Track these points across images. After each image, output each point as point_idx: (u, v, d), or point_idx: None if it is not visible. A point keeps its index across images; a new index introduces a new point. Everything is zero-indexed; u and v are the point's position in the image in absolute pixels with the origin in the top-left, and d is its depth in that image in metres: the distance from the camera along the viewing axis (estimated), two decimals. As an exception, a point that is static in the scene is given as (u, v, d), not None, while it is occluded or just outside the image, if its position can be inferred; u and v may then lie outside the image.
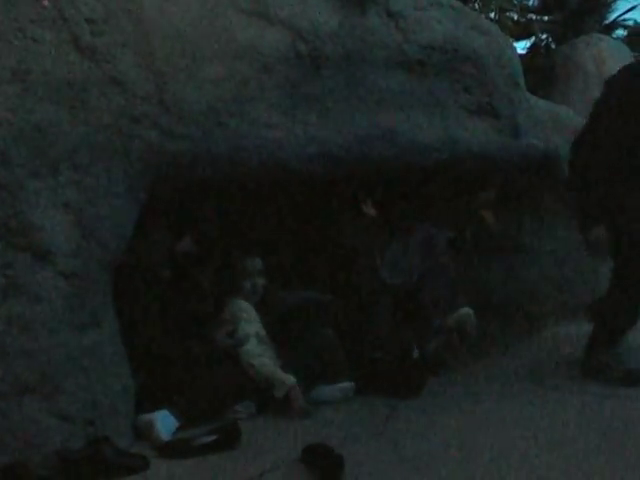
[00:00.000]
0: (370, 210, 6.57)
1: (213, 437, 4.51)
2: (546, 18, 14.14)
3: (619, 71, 5.70)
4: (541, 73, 12.26)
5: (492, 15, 11.49)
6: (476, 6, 11.27)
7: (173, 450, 4.44)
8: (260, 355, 5.32)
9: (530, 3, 14.23)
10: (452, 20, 6.28)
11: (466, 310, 6.33)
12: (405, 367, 5.72)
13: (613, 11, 14.79)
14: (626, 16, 14.87)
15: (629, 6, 15.44)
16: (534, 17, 13.97)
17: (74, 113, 4.38)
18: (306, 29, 5.29)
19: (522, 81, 6.90)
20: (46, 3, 4.42)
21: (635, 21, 14.72)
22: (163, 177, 4.76)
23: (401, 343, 6.08)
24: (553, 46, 13.79)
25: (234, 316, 5.47)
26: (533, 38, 13.45)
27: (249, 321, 5.47)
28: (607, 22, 14.60)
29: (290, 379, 5.22)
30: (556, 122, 7.44)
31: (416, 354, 6.05)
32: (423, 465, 4.06)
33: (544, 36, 13.93)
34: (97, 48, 4.52)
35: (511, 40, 11.60)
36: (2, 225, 4.06)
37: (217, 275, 5.66)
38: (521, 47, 13.53)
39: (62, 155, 4.31)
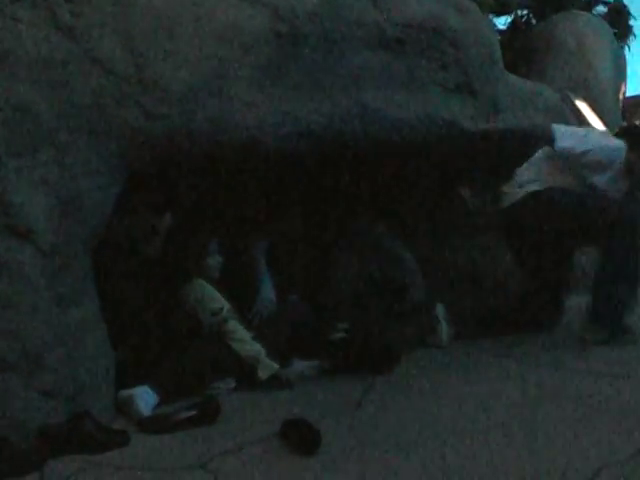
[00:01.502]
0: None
1: (193, 412, 4.57)
2: (527, -6, 14.12)
3: None
4: (521, 49, 12.24)
5: (472, -8, 11.48)
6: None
7: (153, 425, 4.50)
8: (244, 335, 5.37)
9: (511, -22, 14.21)
10: (430, -1, 6.31)
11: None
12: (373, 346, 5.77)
13: (593, -13, 14.79)
14: (607, -8, 14.86)
15: (610, -18, 15.45)
16: (514, -7, 13.94)
17: (54, 93, 4.40)
18: (285, 8, 5.30)
19: (500, 59, 6.93)
20: None
21: (615, -2, 14.70)
22: (143, 156, 4.79)
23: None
24: (533, 22, 13.75)
25: (199, 296, 5.49)
26: (513, 14, 13.41)
27: (217, 299, 5.50)
28: (587, -1, 14.59)
29: (274, 364, 5.28)
30: (535, 100, 7.47)
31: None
32: (400, 440, 4.11)
33: (524, 12, 13.89)
34: (77, 28, 4.55)
35: (490, 17, 11.62)
36: (-18, 204, 4.09)
37: (175, 255, 5.62)
38: (501, 23, 13.48)
39: (42, 134, 4.34)
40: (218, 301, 5.43)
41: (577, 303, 6.49)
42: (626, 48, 14.00)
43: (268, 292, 6.11)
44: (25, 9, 4.41)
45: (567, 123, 7.52)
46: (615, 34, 13.38)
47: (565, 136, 6.27)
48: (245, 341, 5.33)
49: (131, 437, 4.31)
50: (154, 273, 5.41)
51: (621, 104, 13.07)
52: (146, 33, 4.77)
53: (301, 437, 4.09)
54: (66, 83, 4.45)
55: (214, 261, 5.64)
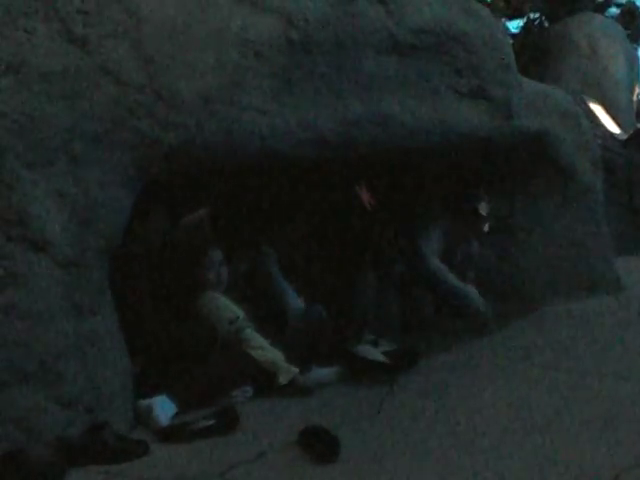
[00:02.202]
0: (365, 195, 6.63)
1: (211, 421, 4.58)
2: (539, -3, 14.12)
3: None
4: (534, 52, 12.26)
5: (484, -4, 11.50)
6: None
7: (172, 435, 4.49)
8: (262, 342, 5.38)
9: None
10: (442, 3, 6.30)
11: None
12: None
13: (606, -11, 14.78)
14: (619, -6, 14.86)
15: (622, -16, 15.44)
16: (527, -4, 13.95)
17: (68, 104, 4.40)
18: (296, 15, 5.30)
19: (513, 63, 6.92)
20: None
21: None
22: (157, 166, 4.80)
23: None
24: (546, 25, 13.76)
25: (214, 307, 5.49)
26: (525, 18, 13.43)
27: (231, 308, 5.50)
28: (600, 1, 14.59)
29: (293, 368, 5.29)
30: (548, 103, 7.47)
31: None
32: (419, 447, 4.11)
33: (537, 15, 13.90)
34: (89, 39, 4.55)
35: (503, 21, 11.64)
36: (-1, 216, 4.10)
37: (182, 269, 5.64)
38: (514, 27, 13.50)
39: (57, 146, 4.34)
40: (233, 310, 5.44)
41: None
42: (639, 49, 13.99)
43: (297, 301, 6.13)
44: (38, 21, 4.42)
45: (580, 125, 7.53)
46: (628, 35, 13.39)
47: None
48: (263, 347, 5.34)
49: (150, 447, 4.30)
50: (169, 283, 5.41)
51: (635, 105, 13.07)
52: (159, 43, 4.77)
53: (320, 445, 4.08)
54: (80, 94, 4.45)
55: (223, 271, 5.65)
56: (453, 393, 5.02)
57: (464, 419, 4.47)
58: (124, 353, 4.73)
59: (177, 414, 4.78)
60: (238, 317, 5.39)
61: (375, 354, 5.65)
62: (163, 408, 4.71)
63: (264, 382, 5.28)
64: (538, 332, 6.38)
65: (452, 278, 6.85)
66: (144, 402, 4.73)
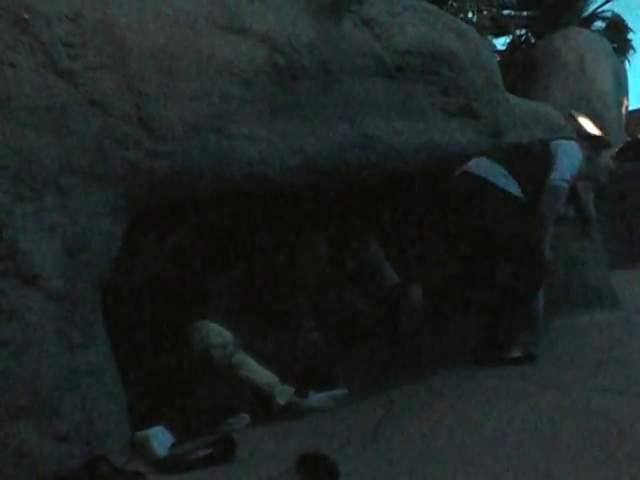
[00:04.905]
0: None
1: (208, 451, 4.55)
2: (524, 13, 14.17)
3: None
4: (521, 69, 12.29)
5: (470, 15, 11.53)
6: (453, 6, 11.30)
7: (170, 465, 4.47)
8: (254, 365, 5.37)
9: (507, -1, 14.29)
10: (427, 24, 6.33)
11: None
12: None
13: (590, 3, 14.81)
14: (604, 7, 14.89)
15: (606, -2, 15.52)
16: (512, 13, 13.99)
17: (55, 137, 4.40)
18: (282, 41, 5.32)
19: (500, 81, 6.94)
20: (27, 16, 4.45)
21: (613, 12, 14.73)
22: (147, 196, 4.79)
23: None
24: (532, 41, 13.80)
25: (204, 333, 5.47)
26: (511, 34, 13.47)
27: (221, 334, 5.49)
28: (585, 15, 14.62)
29: (289, 387, 5.29)
30: (537, 120, 7.49)
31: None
32: (417, 469, 4.08)
33: (523, 31, 13.94)
34: (75, 71, 4.54)
35: (489, 39, 11.65)
36: (-11, 251, 4.09)
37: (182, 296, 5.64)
38: (500, 43, 13.53)
39: (46, 179, 4.33)
40: (224, 335, 5.43)
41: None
42: (626, 62, 14.01)
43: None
44: (22, 55, 4.41)
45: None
46: (614, 49, 13.40)
47: None
48: (257, 370, 5.35)
49: (148, 478, 4.27)
50: (160, 313, 5.40)
51: (624, 118, 13.09)
52: (145, 73, 4.77)
53: (319, 471, 4.05)
54: (67, 127, 4.45)
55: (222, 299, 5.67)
56: (450, 414, 4.99)
57: (462, 440, 4.44)
58: (119, 385, 4.70)
59: (174, 444, 4.75)
60: (228, 342, 5.39)
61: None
62: (160, 439, 4.69)
63: (261, 405, 5.27)
64: (537, 348, 6.35)
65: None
66: (141, 433, 4.70)
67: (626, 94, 13.27)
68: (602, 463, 3.85)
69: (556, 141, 6.43)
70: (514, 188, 6.11)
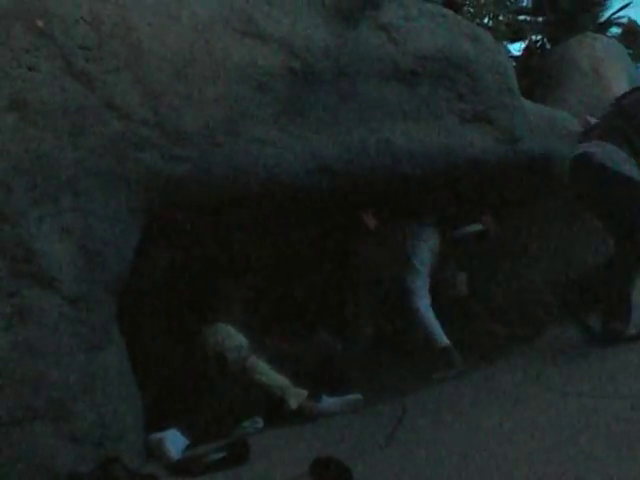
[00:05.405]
0: (371, 221, 6.62)
1: (222, 454, 4.56)
2: (540, 19, 14.16)
3: None
4: (536, 74, 12.25)
5: (485, 21, 11.52)
6: (470, 11, 11.29)
7: (183, 468, 4.48)
8: (267, 369, 5.37)
9: (524, 4, 14.27)
10: (443, 29, 6.32)
11: None
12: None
13: (607, 9, 14.81)
14: (620, 14, 14.88)
15: (622, 4, 15.45)
16: (528, 19, 13.99)
17: (72, 140, 4.42)
18: (298, 46, 5.33)
19: (516, 86, 6.92)
20: (40, 24, 4.46)
21: (629, 18, 14.71)
22: (163, 199, 4.80)
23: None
24: (548, 47, 13.77)
25: (220, 337, 5.47)
26: (527, 40, 13.46)
27: (237, 337, 5.49)
28: (601, 20, 14.61)
29: (302, 391, 5.29)
30: (552, 125, 7.46)
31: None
32: (432, 473, 4.07)
33: (538, 37, 13.92)
34: (92, 74, 4.57)
35: (505, 44, 11.64)
36: (6, 253, 4.09)
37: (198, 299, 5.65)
38: (516, 49, 13.54)
39: (62, 182, 4.35)
40: (238, 339, 5.43)
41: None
42: (641, 68, 13.96)
43: None
44: (40, 58, 4.43)
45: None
46: (630, 55, 13.36)
47: None
48: (269, 374, 5.34)
49: (162, 481, 4.29)
50: (175, 317, 5.41)
51: (638, 124, 13.01)
52: (161, 76, 4.79)
53: (332, 476, 4.04)
54: (84, 130, 4.47)
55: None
56: (464, 419, 4.98)
57: (476, 445, 4.43)
58: (134, 387, 4.71)
59: (188, 447, 4.76)
60: (243, 345, 5.39)
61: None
62: (174, 442, 4.70)
63: (273, 410, 5.27)
64: (546, 355, 6.32)
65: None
66: (155, 436, 4.71)
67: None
68: (613, 467, 3.84)
69: None
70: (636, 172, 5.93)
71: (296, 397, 5.31)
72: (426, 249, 6.87)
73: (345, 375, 5.91)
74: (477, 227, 6.88)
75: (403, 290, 6.71)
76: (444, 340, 6.42)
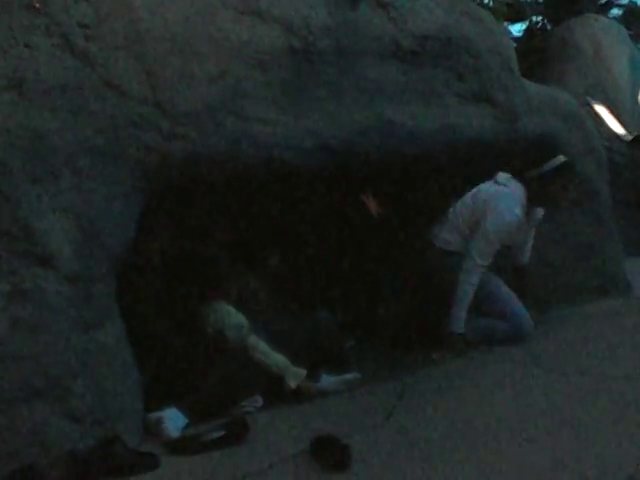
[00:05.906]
0: (372, 203, 6.62)
1: (221, 433, 4.55)
2: (541, 0, 14.13)
3: None
4: (537, 55, 12.25)
5: (486, 1, 11.49)
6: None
7: (182, 447, 4.47)
8: (267, 348, 5.37)
9: (524, -15, 14.23)
10: (444, 8, 6.32)
11: None
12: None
13: (607, -10, 14.77)
14: (621, -5, 14.85)
15: (623, -15, 15.43)
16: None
17: (71, 118, 4.40)
18: (298, 24, 5.32)
19: (516, 66, 6.92)
20: (38, 5, 4.44)
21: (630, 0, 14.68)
22: (162, 178, 4.80)
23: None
24: (548, 27, 13.75)
25: (220, 315, 5.47)
26: (528, 21, 13.43)
27: (237, 316, 5.50)
28: (602, 2, 14.57)
29: (301, 370, 5.30)
30: (552, 106, 7.46)
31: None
32: (431, 452, 4.08)
33: (539, 18, 13.89)
34: (91, 52, 4.55)
35: (505, 24, 11.62)
36: (5, 232, 4.07)
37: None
38: (516, 30, 13.52)
39: (61, 160, 4.34)
40: (239, 318, 5.43)
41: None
42: (643, 49, 13.94)
43: None
44: (39, 36, 4.41)
45: (585, 127, 7.52)
46: (631, 36, 13.35)
47: None
48: (269, 353, 5.34)
49: (161, 459, 4.27)
50: (175, 295, 5.40)
51: (640, 105, 13.02)
52: (160, 54, 4.78)
53: (331, 454, 4.05)
54: (83, 108, 4.45)
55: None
56: (464, 398, 4.99)
57: (476, 424, 4.44)
58: (133, 366, 4.71)
59: (187, 426, 4.76)
60: (243, 324, 5.40)
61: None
62: (173, 420, 4.70)
63: (273, 389, 5.28)
64: (547, 335, 6.34)
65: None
66: (154, 415, 4.71)
67: (642, 81, 13.21)
68: (612, 446, 3.86)
69: None
70: None
71: (295, 376, 5.32)
72: None
73: (344, 354, 5.92)
74: None
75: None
76: (461, 327, 6.31)
